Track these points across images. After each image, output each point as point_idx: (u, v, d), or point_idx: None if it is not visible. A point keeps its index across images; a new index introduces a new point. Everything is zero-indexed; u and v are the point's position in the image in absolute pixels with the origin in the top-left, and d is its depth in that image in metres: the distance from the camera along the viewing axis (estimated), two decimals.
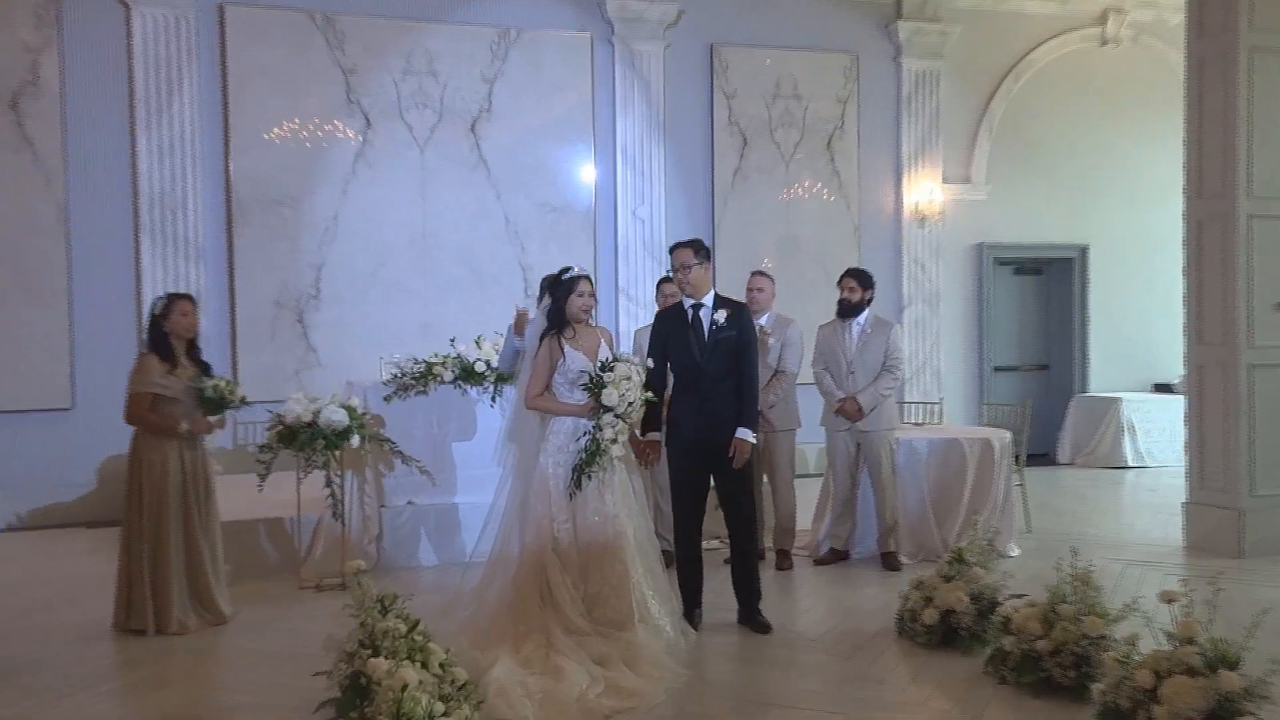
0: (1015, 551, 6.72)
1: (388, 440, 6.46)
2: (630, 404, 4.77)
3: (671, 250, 5.18)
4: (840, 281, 6.63)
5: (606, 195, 9.83)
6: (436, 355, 6.77)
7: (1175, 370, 11.64)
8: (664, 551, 5.28)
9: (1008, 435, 6.96)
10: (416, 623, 4.02)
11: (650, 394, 4.89)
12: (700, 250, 5.13)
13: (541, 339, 4.97)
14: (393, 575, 6.21)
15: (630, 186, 9.86)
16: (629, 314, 9.65)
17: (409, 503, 6.65)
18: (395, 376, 6.68)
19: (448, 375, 6.66)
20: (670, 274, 5.30)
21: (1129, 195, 11.63)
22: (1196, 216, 6.91)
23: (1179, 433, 10.90)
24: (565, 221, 9.69)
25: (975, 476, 6.70)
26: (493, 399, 6.69)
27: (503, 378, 6.65)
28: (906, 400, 9.06)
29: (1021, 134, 11.32)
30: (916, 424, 7.52)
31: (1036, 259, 11.81)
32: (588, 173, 9.78)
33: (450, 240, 9.35)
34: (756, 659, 4.78)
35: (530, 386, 4.95)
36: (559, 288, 4.97)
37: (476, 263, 9.42)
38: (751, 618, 5.18)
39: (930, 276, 10.98)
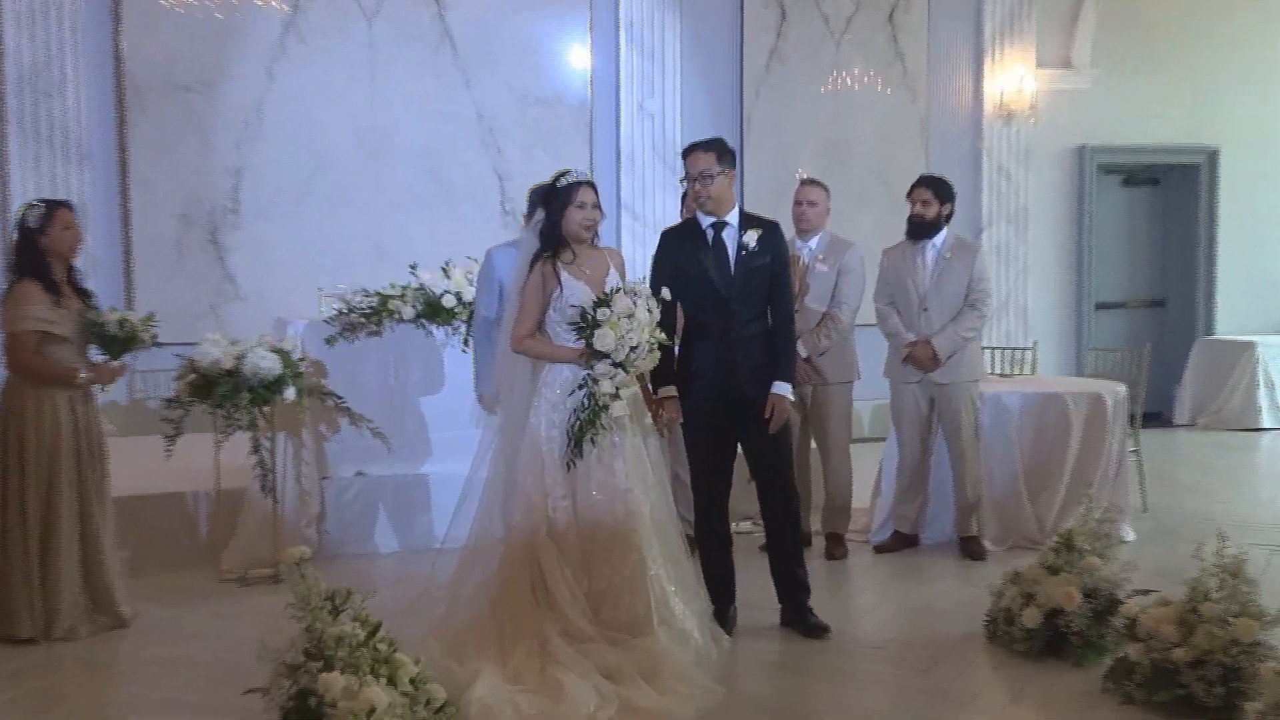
0: (1130, 535, 6.69)
1: (332, 394, 6.42)
2: (633, 349, 4.69)
3: (686, 154, 5.08)
4: (911, 193, 6.51)
5: (606, 84, 9.73)
6: (393, 286, 6.71)
7: None
8: (684, 536, 5.19)
9: (1123, 389, 6.89)
10: (377, 626, 3.97)
11: (663, 335, 4.80)
12: (725, 155, 5.03)
13: (532, 264, 4.88)
14: (339, 565, 6.17)
15: (637, 73, 9.74)
16: (635, 236, 9.55)
17: (359, 473, 6.65)
18: (340, 313, 6.63)
19: (408, 311, 6.62)
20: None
21: (1273, 85, 11.50)
22: None
23: None
24: (553, 118, 9.60)
25: (1081, 441, 6.64)
26: (465, 342, 6.60)
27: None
28: (988, 345, 8.95)
29: (1137, 5, 11.14)
30: (1003, 375, 7.45)
31: (1152, 165, 11.75)
32: (582, 55, 9.67)
33: (407, 140, 9.25)
34: (807, 671, 4.73)
35: (518, 325, 4.87)
36: (554, 198, 4.89)
37: (441, 169, 9.34)
38: (800, 618, 5.14)
39: (1017, 189, 10.89)
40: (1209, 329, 11.72)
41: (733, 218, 5.05)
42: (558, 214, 4.85)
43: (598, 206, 4.91)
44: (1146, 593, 4.66)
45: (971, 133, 10.80)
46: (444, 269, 6.76)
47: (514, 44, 9.46)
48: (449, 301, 6.62)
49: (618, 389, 4.71)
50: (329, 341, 6.51)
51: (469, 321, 6.59)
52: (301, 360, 6.20)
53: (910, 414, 6.55)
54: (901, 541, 6.64)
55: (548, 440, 4.79)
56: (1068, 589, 4.69)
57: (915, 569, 6.29)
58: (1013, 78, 10.71)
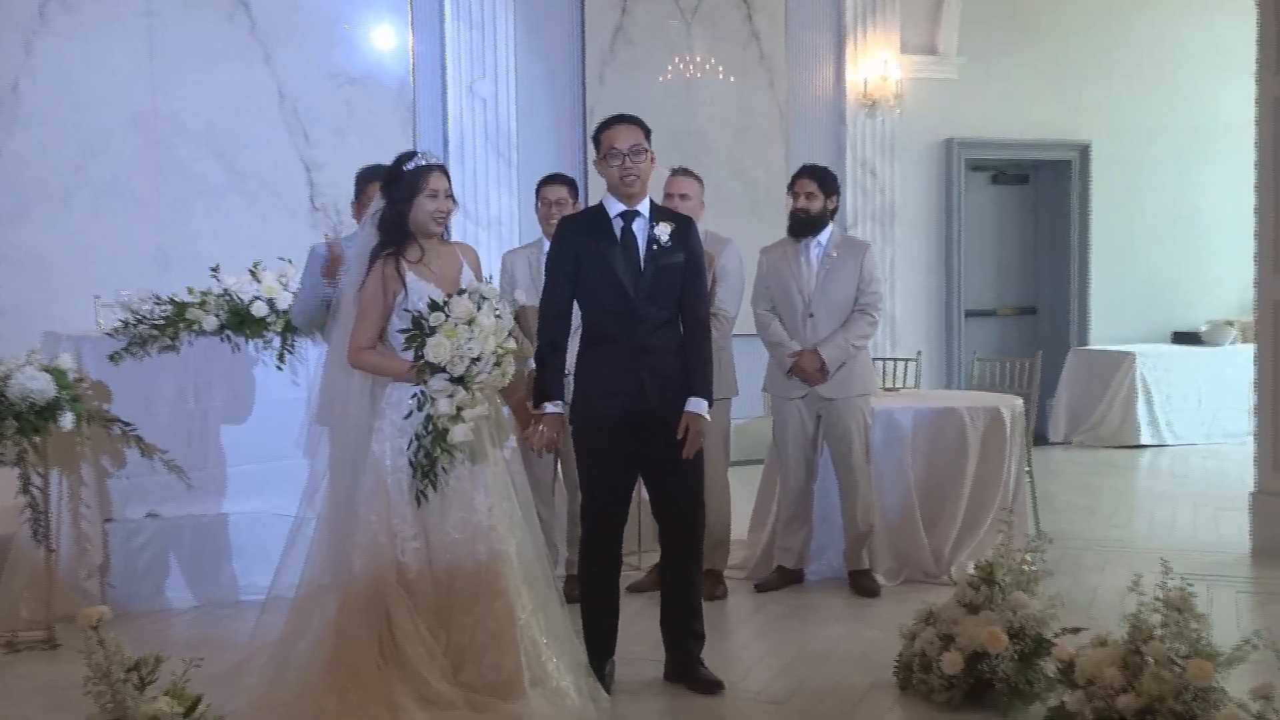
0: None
1: (117, 420, 6.16)
2: (475, 360, 4.52)
3: (606, 127, 4.91)
4: (793, 185, 6.48)
5: (430, 64, 9.57)
6: (192, 292, 6.44)
7: (1200, 314, 12.03)
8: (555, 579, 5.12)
9: (1019, 403, 6.96)
10: (197, 701, 3.82)
11: (514, 344, 4.65)
12: (648, 134, 4.94)
13: (371, 262, 4.66)
14: (126, 624, 5.79)
15: (466, 51, 9.58)
16: (467, 236, 9.23)
17: (150, 514, 6.38)
18: (127, 324, 6.31)
19: (210, 322, 6.34)
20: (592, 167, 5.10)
21: (1152, 74, 11.86)
22: (1275, 94, 6.98)
23: (1207, 398, 11.35)
24: (369, 100, 9.42)
25: (979, 462, 6.67)
26: (281, 357, 6.40)
27: (292, 325, 6.34)
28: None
29: None
30: (888, 389, 7.42)
31: (1020, 161, 12.05)
32: (401, 29, 9.46)
33: (196, 124, 8.97)
34: None
35: (355, 334, 4.68)
36: (398, 184, 4.70)
37: (238, 159, 9.09)
38: (690, 672, 4.99)
39: (883, 185, 11.04)
40: (1083, 338, 12.00)
41: (644, 208, 4.93)
42: (404, 203, 4.66)
43: (450, 195, 4.76)
44: (1076, 631, 4.63)
45: (834, 123, 10.88)
46: (253, 272, 6.49)
47: (322, 13, 9.21)
48: (259, 309, 6.35)
49: (459, 409, 4.52)
50: (113, 359, 6.19)
51: (286, 333, 6.40)
52: (80, 381, 5.89)
53: (795, 434, 6.47)
54: (786, 578, 6.56)
55: (394, 471, 4.61)
56: (991, 629, 4.60)
57: (805, 609, 6.20)
58: (876, 64, 10.81)
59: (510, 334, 4.65)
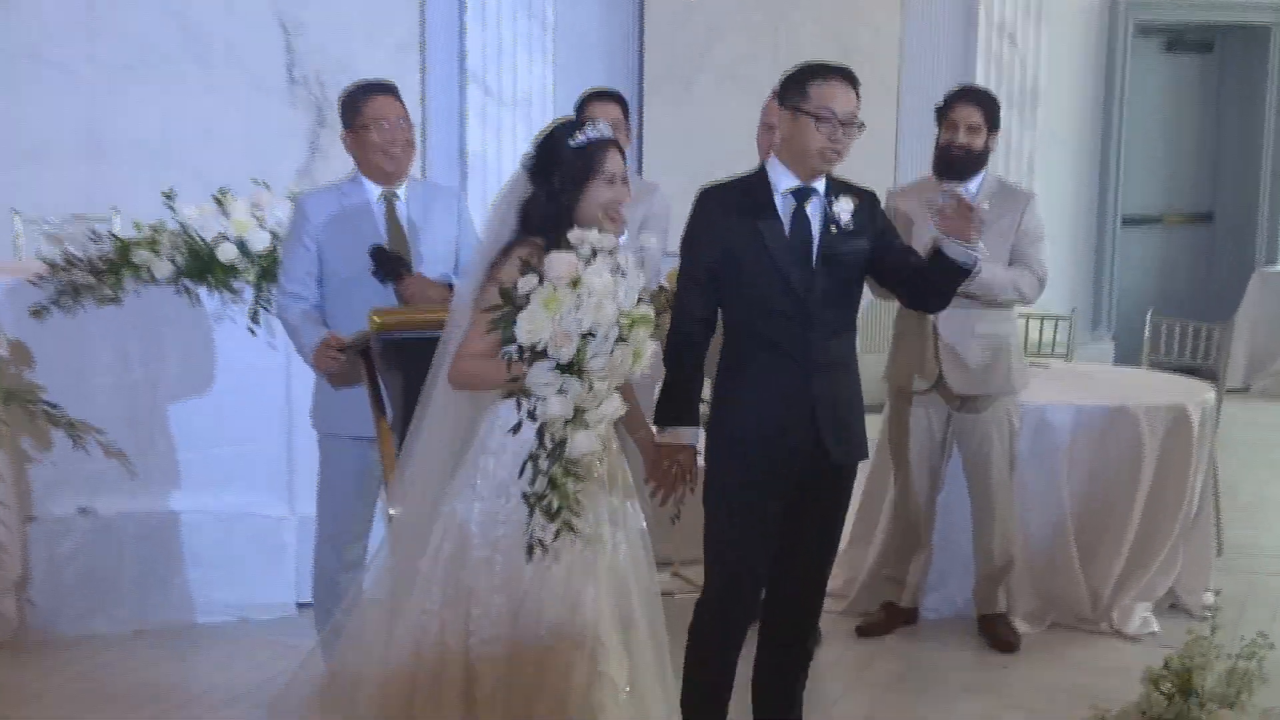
0: (1210, 601, 6.47)
1: (42, 400, 6.04)
2: (587, 335, 4.06)
3: (825, 78, 4.60)
4: (950, 111, 6.13)
5: None
6: (140, 228, 6.34)
7: None
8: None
9: (1210, 395, 6.76)
10: None
11: (647, 309, 4.22)
12: None
13: (507, 251, 4.28)
14: (52, 657, 5.91)
15: None
16: (486, 119, 9.53)
17: (83, 510, 6.35)
18: (56, 267, 6.21)
19: (163, 267, 6.24)
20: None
21: None
22: None
23: None
24: None
25: (1154, 476, 6.47)
26: (254, 317, 6.31)
27: (269, 273, 6.21)
28: None
29: None
30: (1032, 358, 7.19)
31: (1203, 24, 11.87)
32: None
33: None
34: None
35: (469, 339, 4.25)
36: (560, 166, 4.32)
37: (194, 17, 9.15)
38: None
39: (1024, 58, 10.89)
40: (1272, 255, 11.92)
41: (819, 184, 4.70)
42: (570, 192, 4.29)
43: (626, 179, 4.42)
44: None
45: None
46: (219, 200, 6.37)
47: None
48: (227, 252, 6.25)
49: (578, 411, 4.11)
50: (36, 313, 6.10)
51: (258, 284, 6.30)
52: None
53: (919, 440, 6.26)
54: (895, 617, 6.43)
55: (482, 543, 4.21)
56: None
57: (926, 669, 6.04)
58: None
59: (642, 297, 4.23)
